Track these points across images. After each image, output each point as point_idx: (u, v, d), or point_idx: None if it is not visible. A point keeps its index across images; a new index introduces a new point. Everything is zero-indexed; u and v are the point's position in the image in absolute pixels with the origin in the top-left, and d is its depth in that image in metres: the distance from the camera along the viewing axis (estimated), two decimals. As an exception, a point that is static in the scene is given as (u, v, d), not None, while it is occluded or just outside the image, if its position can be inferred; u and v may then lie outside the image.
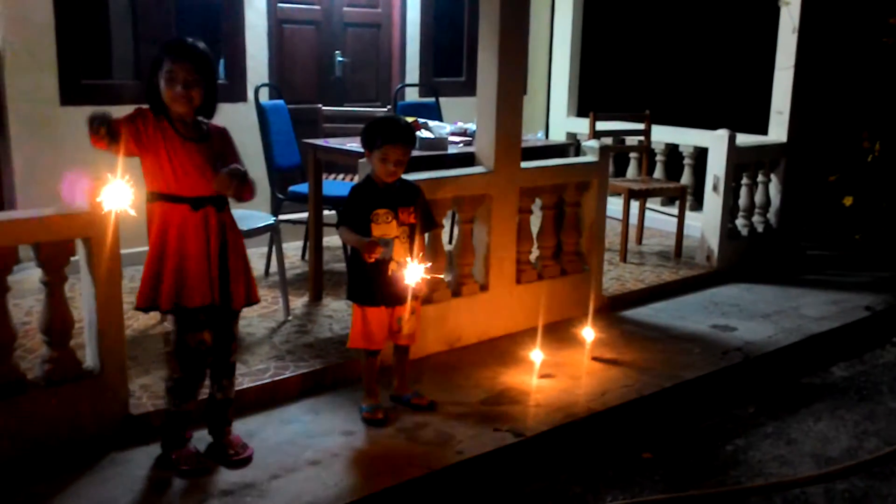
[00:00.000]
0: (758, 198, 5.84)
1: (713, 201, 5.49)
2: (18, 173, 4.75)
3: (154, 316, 4.28)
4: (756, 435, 3.65)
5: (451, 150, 4.58)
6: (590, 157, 4.67)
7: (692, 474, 3.30)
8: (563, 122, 7.35)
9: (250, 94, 5.38)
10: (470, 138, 4.74)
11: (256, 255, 5.17)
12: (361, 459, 3.10)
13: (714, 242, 5.50)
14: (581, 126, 6.93)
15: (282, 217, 4.98)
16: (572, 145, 5.62)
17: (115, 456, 3.02)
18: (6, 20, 4.60)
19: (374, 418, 3.33)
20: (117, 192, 2.66)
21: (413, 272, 3.19)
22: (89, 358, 3.13)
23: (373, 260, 3.15)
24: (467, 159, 4.34)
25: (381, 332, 3.33)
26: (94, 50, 5.16)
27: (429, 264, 3.25)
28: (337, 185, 5.13)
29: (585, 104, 7.19)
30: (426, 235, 3.55)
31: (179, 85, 2.73)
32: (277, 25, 5.93)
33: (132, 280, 4.84)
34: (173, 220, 2.80)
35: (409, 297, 3.29)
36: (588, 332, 4.17)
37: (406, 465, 3.05)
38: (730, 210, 5.56)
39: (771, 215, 5.90)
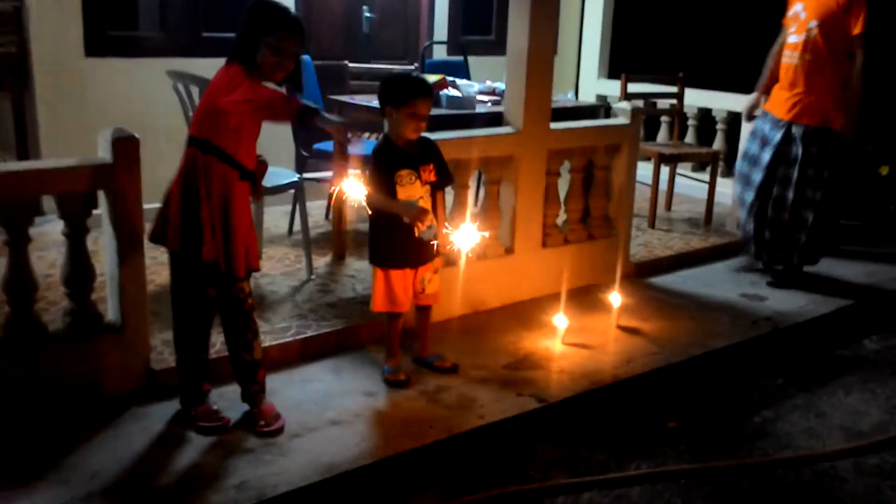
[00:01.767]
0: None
1: (746, 168, 5.34)
2: (43, 124, 4.72)
3: (177, 271, 4.26)
4: (785, 406, 3.58)
5: (479, 109, 4.49)
6: (620, 120, 4.56)
7: (718, 445, 3.24)
8: (594, 84, 7.20)
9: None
10: (498, 98, 4.64)
11: (280, 212, 5.14)
12: (382, 421, 3.07)
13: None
14: (612, 88, 6.77)
15: (306, 175, 4.92)
16: (602, 107, 5.51)
17: (136, 410, 3.01)
18: (32, -31, 4.54)
19: (395, 380, 3.30)
20: (355, 186, 2.90)
21: (466, 235, 3.16)
22: (111, 312, 3.12)
23: (424, 228, 3.08)
24: (495, 119, 4.25)
25: (405, 294, 3.28)
26: (119, 1, 5.09)
27: (477, 228, 3.22)
28: (363, 143, 5.05)
29: (617, 65, 7.03)
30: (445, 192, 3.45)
31: (286, 57, 2.74)
32: (305, -21, 5.83)
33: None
34: (241, 188, 2.78)
35: (434, 257, 3.25)
36: (614, 298, 4.10)
37: (427, 427, 3.01)
38: (762, 177, 5.42)
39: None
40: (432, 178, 3.24)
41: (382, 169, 3.15)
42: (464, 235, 3.19)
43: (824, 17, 4.25)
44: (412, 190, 3.17)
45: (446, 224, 3.31)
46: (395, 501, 2.78)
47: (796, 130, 4.42)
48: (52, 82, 4.70)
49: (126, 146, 2.93)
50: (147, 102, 4.83)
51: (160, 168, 4.81)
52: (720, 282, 4.75)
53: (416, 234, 3.13)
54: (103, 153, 2.94)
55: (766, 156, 4.52)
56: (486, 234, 3.33)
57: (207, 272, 2.79)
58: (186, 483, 2.61)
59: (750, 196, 4.62)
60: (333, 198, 2.94)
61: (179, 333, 2.92)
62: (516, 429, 3.14)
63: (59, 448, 2.74)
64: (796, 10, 4.41)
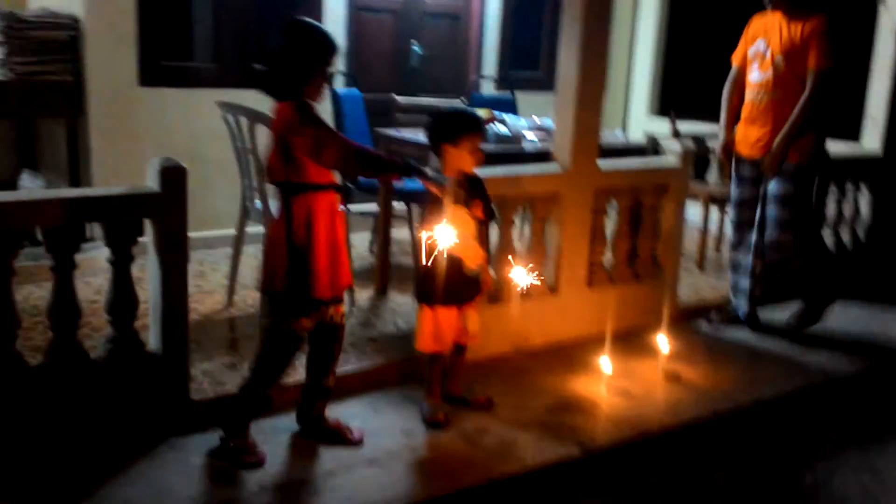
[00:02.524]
0: (847, 210, 5.55)
1: (799, 211, 5.21)
2: (96, 151, 4.79)
3: (220, 301, 4.28)
4: (838, 462, 3.43)
5: (526, 145, 4.45)
6: (670, 160, 4.49)
7: (767, 499, 3.11)
8: (643, 121, 7.13)
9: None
10: (546, 134, 4.59)
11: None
12: (420, 462, 3.01)
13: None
14: (661, 126, 6.69)
15: (351, 207, 4.92)
16: (651, 146, 5.42)
17: (173, 441, 2.99)
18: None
19: (435, 420, 3.23)
20: (445, 233, 2.89)
21: (522, 275, 3.15)
22: (153, 340, 3.10)
23: (478, 265, 3.11)
24: (542, 156, 4.21)
25: (451, 332, 3.22)
26: (174, 32, 5.18)
27: (534, 272, 3.21)
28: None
29: (667, 103, 6.97)
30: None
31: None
32: (356, 13, 5.88)
33: (200, 264, 4.86)
34: (322, 208, 2.76)
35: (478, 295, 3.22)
36: (661, 342, 4.00)
37: (465, 471, 2.94)
38: (817, 221, 5.28)
39: (860, 229, 5.61)
40: (480, 214, 3.19)
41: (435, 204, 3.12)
42: (522, 273, 3.17)
43: (790, 52, 4.09)
44: (464, 226, 3.13)
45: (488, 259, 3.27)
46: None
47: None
48: (106, 110, 4.78)
49: (173, 175, 2.93)
50: (198, 132, 4.89)
51: (209, 197, 4.92)
52: (771, 328, 4.61)
53: (466, 271, 3.11)
54: (151, 182, 2.95)
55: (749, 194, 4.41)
56: (540, 276, 3.31)
57: (311, 306, 2.81)
58: (220, 519, 2.57)
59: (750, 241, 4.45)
60: (424, 244, 2.94)
61: (267, 368, 2.89)
62: (557, 477, 3.05)
63: (94, 476, 2.72)
64: (758, 47, 4.24)
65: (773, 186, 4.24)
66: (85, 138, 4.76)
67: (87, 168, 4.80)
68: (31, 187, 4.51)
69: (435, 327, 3.19)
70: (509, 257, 3.32)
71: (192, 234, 4.47)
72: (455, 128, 3.13)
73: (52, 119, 4.76)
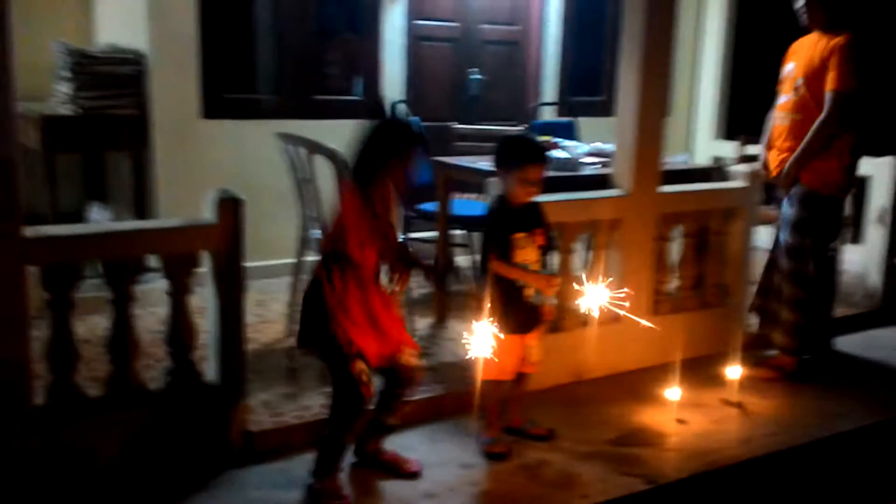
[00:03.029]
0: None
1: (876, 234, 5.02)
2: (161, 183, 4.87)
3: (280, 330, 4.28)
4: (924, 499, 3.24)
5: (587, 171, 4.36)
6: (737, 183, 4.35)
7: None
8: (709, 145, 6.96)
9: (387, 111, 5.34)
10: (607, 159, 4.50)
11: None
12: (479, 496, 2.93)
13: (877, 279, 5.02)
14: (728, 149, 6.53)
15: (410, 235, 4.90)
16: (717, 169, 5.27)
17: (231, 474, 2.97)
18: (154, 33, 4.73)
19: (494, 452, 3.15)
20: (484, 337, 2.89)
21: (596, 295, 3.09)
22: (211, 371, 3.11)
23: (553, 293, 3.09)
24: (603, 181, 4.12)
25: (514, 361, 3.15)
26: (236, 64, 5.26)
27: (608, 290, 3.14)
28: (466, 204, 4.99)
29: (734, 126, 6.79)
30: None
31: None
32: (414, 43, 5.89)
33: (261, 293, 4.87)
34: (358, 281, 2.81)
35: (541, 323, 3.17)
36: (731, 372, 3.84)
37: (527, 507, 2.85)
38: (894, 244, 5.06)
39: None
40: (543, 241, 3.14)
41: (500, 230, 3.07)
42: (595, 294, 3.10)
43: (809, 74, 3.86)
44: (528, 253, 3.08)
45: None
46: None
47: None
48: (169, 143, 4.86)
49: (229, 206, 2.94)
50: (259, 163, 4.93)
51: (271, 226, 4.95)
52: (848, 357, 4.39)
53: (529, 300, 3.05)
54: (208, 213, 2.96)
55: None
56: (626, 289, 3.20)
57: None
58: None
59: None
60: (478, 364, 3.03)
61: (337, 414, 2.84)
62: (622, 512, 2.94)
63: (154, 510, 2.72)
64: (788, 69, 4.04)
65: (784, 209, 4.05)
66: (150, 170, 4.85)
67: (152, 200, 4.88)
68: (99, 220, 4.60)
69: (498, 355, 3.11)
70: (575, 285, 3.22)
71: (253, 264, 4.50)
72: (509, 155, 3.09)
73: (118, 152, 4.86)
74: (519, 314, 3.10)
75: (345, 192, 2.81)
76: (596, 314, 3.15)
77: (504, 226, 3.07)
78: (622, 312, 3.13)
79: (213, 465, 2.98)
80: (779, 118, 4.06)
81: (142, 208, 4.86)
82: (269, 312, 4.57)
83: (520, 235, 3.07)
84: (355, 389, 2.72)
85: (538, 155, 3.10)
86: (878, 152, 5.17)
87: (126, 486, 2.83)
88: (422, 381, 3.08)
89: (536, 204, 3.19)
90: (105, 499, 2.76)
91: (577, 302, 3.14)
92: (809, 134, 3.86)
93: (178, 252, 2.93)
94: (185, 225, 2.94)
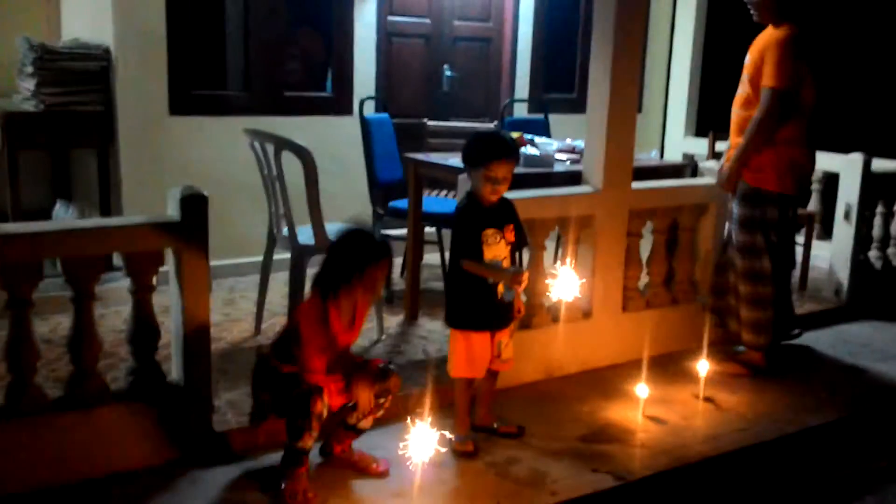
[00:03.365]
0: (894, 228, 5.35)
1: (844, 231, 5.05)
2: (126, 180, 4.79)
3: (247, 329, 4.23)
4: (889, 492, 3.26)
5: (558, 167, 4.36)
6: (708, 179, 4.35)
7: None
8: (680, 142, 6.99)
9: (356, 108, 5.30)
10: (578, 156, 4.50)
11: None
12: (448, 494, 2.90)
13: (844, 275, 5.06)
14: (699, 146, 6.56)
15: (382, 232, 4.86)
16: (688, 166, 5.29)
17: (194, 474, 2.92)
18: (119, 29, 4.66)
19: (464, 450, 3.13)
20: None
21: (566, 286, 3.08)
22: (174, 371, 3.06)
23: (522, 290, 3.04)
24: (574, 178, 4.11)
25: (484, 358, 3.13)
26: (204, 60, 5.19)
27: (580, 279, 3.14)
28: (437, 201, 4.97)
29: (705, 123, 6.82)
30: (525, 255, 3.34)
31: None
32: (386, 39, 5.85)
33: (230, 291, 4.82)
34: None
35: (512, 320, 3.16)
36: (700, 368, 3.85)
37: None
38: (862, 241, 5.10)
39: (908, 248, 5.40)
40: (512, 238, 3.12)
41: (469, 228, 3.04)
42: (564, 284, 3.10)
43: (752, 69, 3.83)
44: (497, 250, 3.06)
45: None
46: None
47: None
48: (136, 139, 4.79)
49: (194, 204, 2.89)
50: (230, 160, 4.87)
51: (241, 224, 4.90)
52: (817, 352, 4.41)
53: (499, 297, 3.03)
54: (172, 211, 2.91)
55: None
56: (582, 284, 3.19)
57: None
58: (238, 556, 2.49)
59: None
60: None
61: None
62: (591, 509, 2.93)
63: (112, 511, 2.67)
64: (745, 62, 3.99)
65: (733, 207, 4.03)
66: (116, 168, 4.78)
67: (118, 197, 4.81)
68: (63, 217, 4.52)
69: (467, 352, 3.10)
70: (547, 281, 3.23)
71: (222, 262, 4.47)
72: (476, 152, 3.06)
73: (83, 149, 4.78)
74: (489, 311, 3.08)
75: (307, 301, 2.86)
76: (568, 300, 3.16)
77: (473, 223, 3.05)
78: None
79: (176, 466, 2.93)
80: (732, 114, 4.05)
81: (107, 206, 4.78)
82: (238, 311, 4.52)
83: (489, 232, 3.04)
84: (304, 397, 2.69)
85: (504, 152, 3.04)
86: (846, 149, 5.22)
87: (89, 488, 2.77)
88: (397, 390, 3.04)
89: (507, 200, 3.17)
90: (65, 499, 2.70)
91: (547, 293, 3.14)
92: (746, 132, 3.84)
93: (140, 250, 2.87)
94: (147, 222, 2.89)
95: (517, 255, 3.22)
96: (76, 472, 2.80)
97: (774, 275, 3.96)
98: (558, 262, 3.14)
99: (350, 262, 2.76)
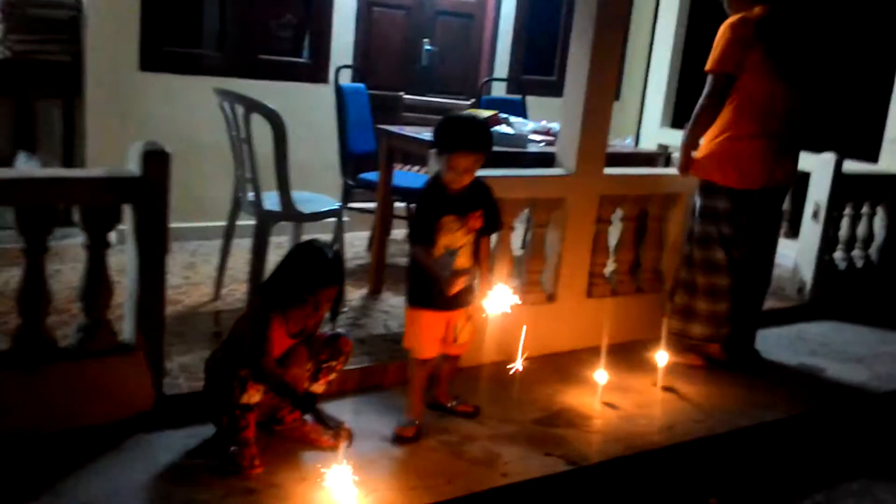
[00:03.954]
0: (860, 230, 5.38)
1: (811, 230, 5.07)
2: (91, 134, 4.68)
3: (207, 293, 4.16)
4: (839, 491, 3.30)
5: (531, 148, 4.32)
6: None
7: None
8: (656, 132, 6.96)
9: (332, 76, 5.22)
10: (553, 138, 4.46)
11: (321, 238, 5.00)
12: (399, 470, 2.87)
13: (808, 274, 5.08)
14: (674, 137, 6.52)
15: (351, 205, 4.80)
16: (662, 156, 5.28)
17: (142, 437, 2.87)
18: (91, -19, 4.54)
19: (402, 435, 3.06)
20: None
21: (498, 299, 2.97)
22: (127, 331, 2.99)
23: (453, 293, 2.95)
24: (547, 160, 4.07)
25: (435, 338, 3.07)
26: (179, 17, 5.06)
27: (513, 294, 3.02)
28: (408, 175, 4.91)
29: (681, 115, 6.81)
30: (492, 238, 3.26)
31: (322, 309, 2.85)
32: (367, 8, 5.75)
33: (192, 254, 4.75)
34: None
35: (468, 304, 3.08)
36: (660, 357, 3.85)
37: (445, 482, 2.80)
38: (829, 241, 5.13)
39: (873, 250, 5.43)
40: (479, 224, 3.02)
41: (426, 213, 2.97)
42: (496, 299, 2.99)
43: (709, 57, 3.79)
44: (454, 238, 2.98)
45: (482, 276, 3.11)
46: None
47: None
48: (103, 93, 4.68)
49: (156, 160, 2.81)
50: (199, 120, 4.78)
51: (207, 186, 4.81)
52: (776, 348, 4.42)
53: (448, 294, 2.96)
54: (133, 166, 2.83)
55: None
56: (518, 300, 3.07)
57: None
58: (180, 521, 2.45)
59: None
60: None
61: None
62: (541, 491, 2.91)
63: (55, 471, 2.60)
64: None
65: (694, 198, 4.05)
66: (81, 120, 4.66)
67: (82, 150, 4.70)
68: (26, 168, 4.40)
69: (419, 331, 3.05)
70: (468, 265, 3.06)
71: (186, 224, 4.39)
72: (442, 137, 2.95)
73: (48, 99, 4.66)
74: (440, 292, 2.97)
75: (250, 307, 2.90)
76: (497, 312, 3.02)
77: (431, 208, 2.96)
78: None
79: (123, 428, 2.88)
80: None
81: (70, 158, 4.67)
82: (198, 275, 4.45)
83: (448, 219, 2.95)
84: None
85: (470, 144, 2.91)
86: (818, 148, 5.23)
87: (32, 446, 2.70)
88: (350, 355, 3.00)
89: (480, 184, 3.06)
90: (10, 458, 2.63)
91: (481, 302, 3.02)
92: (691, 121, 3.84)
93: (97, 204, 2.79)
94: (106, 176, 2.81)
95: (484, 239, 3.11)
96: (16, 428, 2.73)
97: (731, 266, 3.93)
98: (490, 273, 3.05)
99: (301, 281, 2.71)
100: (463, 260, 3.02)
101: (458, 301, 3.05)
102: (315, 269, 2.72)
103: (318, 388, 2.95)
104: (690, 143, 3.87)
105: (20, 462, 2.64)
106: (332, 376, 2.97)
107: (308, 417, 2.92)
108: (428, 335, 3.04)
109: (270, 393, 2.75)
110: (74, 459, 2.67)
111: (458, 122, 3.04)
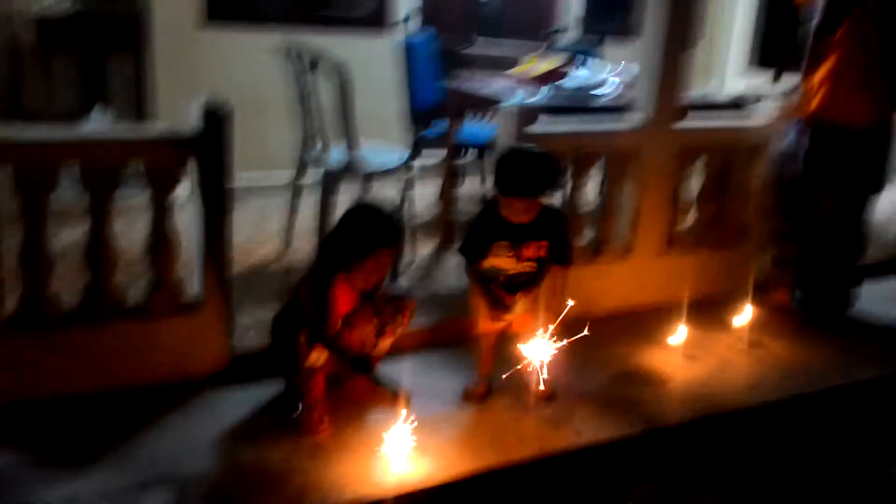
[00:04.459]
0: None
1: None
2: (161, 87, 4.67)
3: (275, 249, 4.13)
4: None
5: (606, 96, 4.12)
6: (761, 118, 4.07)
7: (850, 493, 2.79)
8: (742, 76, 6.62)
9: (398, 25, 5.08)
10: (629, 86, 4.24)
11: (389, 192, 4.91)
12: (467, 430, 2.79)
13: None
14: (761, 83, 6.21)
15: (420, 158, 4.69)
16: (748, 102, 4.97)
17: (211, 395, 2.86)
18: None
19: (472, 393, 2.96)
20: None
21: (538, 349, 2.76)
22: (194, 288, 2.97)
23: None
24: (622, 109, 3.87)
25: (490, 318, 2.93)
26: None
27: (555, 344, 2.78)
28: (476, 128, 4.76)
29: (770, 57, 6.44)
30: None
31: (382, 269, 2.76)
32: (435, -49, 5.58)
33: (261, 209, 4.71)
34: None
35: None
36: (745, 313, 3.66)
37: (517, 442, 2.72)
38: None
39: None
40: (538, 254, 2.84)
41: (475, 235, 2.84)
42: (536, 347, 2.78)
43: None
44: (502, 262, 2.83)
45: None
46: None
47: None
48: (170, 46, 4.64)
49: (217, 116, 2.76)
50: (264, 74, 4.67)
51: (277, 141, 4.74)
52: (874, 303, 4.14)
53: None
54: (194, 123, 2.78)
55: None
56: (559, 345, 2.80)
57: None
58: (246, 480, 2.42)
59: None
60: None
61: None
62: (617, 453, 2.80)
63: (123, 430, 2.61)
64: None
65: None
66: (150, 74, 4.66)
67: (153, 104, 4.70)
68: (98, 122, 4.43)
69: (477, 307, 2.93)
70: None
71: (253, 180, 4.37)
72: (498, 175, 2.76)
73: (117, 54, 4.66)
74: (488, 305, 2.88)
75: (310, 273, 2.75)
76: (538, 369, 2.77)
77: (483, 232, 2.82)
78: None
79: (191, 385, 2.87)
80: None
81: (142, 112, 4.68)
82: (267, 231, 4.42)
83: (501, 244, 2.80)
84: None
85: (524, 189, 2.73)
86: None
87: (100, 405, 2.72)
88: (413, 314, 2.91)
89: (550, 213, 2.85)
90: (77, 417, 2.66)
91: (521, 349, 2.80)
92: None
93: (160, 161, 2.75)
94: (168, 134, 2.77)
95: (556, 268, 2.90)
96: (85, 384, 2.76)
97: (802, 211, 3.79)
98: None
99: (358, 242, 2.62)
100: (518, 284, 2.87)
101: (511, 309, 2.91)
102: (372, 230, 2.64)
103: (382, 347, 2.88)
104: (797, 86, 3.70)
105: (87, 420, 2.65)
106: (397, 335, 2.89)
107: (367, 380, 2.86)
108: (483, 313, 2.92)
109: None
110: (141, 418, 2.68)
111: (514, 165, 2.79)
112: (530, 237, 2.80)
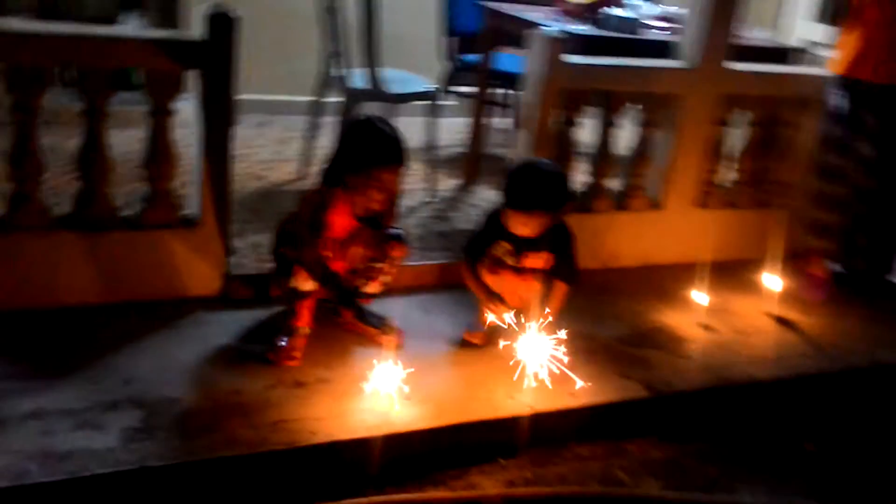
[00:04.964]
0: None
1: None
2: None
3: (293, 171, 4.00)
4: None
5: (648, 35, 3.86)
6: (818, 70, 3.78)
7: (858, 482, 2.63)
8: (800, 25, 6.21)
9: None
10: (677, 26, 3.97)
11: (415, 122, 4.71)
12: (459, 377, 2.66)
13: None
14: (820, 33, 5.81)
15: (451, 88, 4.49)
16: (803, 52, 4.65)
17: (201, 316, 2.77)
18: None
19: (470, 341, 2.83)
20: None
21: (535, 348, 2.62)
22: (192, 205, 2.85)
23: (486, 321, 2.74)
24: (666, 50, 3.62)
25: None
26: None
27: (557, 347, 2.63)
28: (513, 59, 4.51)
29: (834, 7, 6.03)
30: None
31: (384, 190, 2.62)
32: None
33: (284, 128, 4.56)
34: None
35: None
36: (773, 281, 3.45)
37: (506, 398, 2.58)
38: None
39: None
40: (535, 265, 2.73)
41: (485, 235, 2.76)
42: (532, 348, 2.63)
43: None
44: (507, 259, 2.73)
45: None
46: (454, 474, 2.42)
47: None
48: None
49: (223, 25, 2.60)
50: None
51: (302, 60, 4.55)
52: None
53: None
54: (199, 29, 2.62)
55: None
56: (563, 349, 2.64)
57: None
58: (219, 408, 2.33)
59: None
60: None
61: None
62: (612, 417, 2.66)
63: (102, 346, 2.53)
64: None
65: None
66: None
67: (187, 11, 4.54)
68: (131, 27, 4.29)
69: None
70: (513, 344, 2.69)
71: (279, 97, 4.22)
72: (512, 196, 2.66)
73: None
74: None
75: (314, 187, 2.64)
76: (534, 370, 2.62)
77: (491, 231, 2.74)
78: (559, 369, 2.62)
79: (183, 304, 2.78)
80: None
81: (174, 20, 4.52)
82: (288, 151, 4.28)
83: (502, 244, 2.71)
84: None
85: (528, 204, 2.63)
86: None
87: (82, 318, 2.64)
88: (399, 260, 2.78)
89: (559, 229, 2.75)
90: (57, 329, 2.58)
91: (513, 345, 2.66)
92: None
93: (160, 68, 2.61)
94: (169, 38, 2.62)
95: (555, 282, 2.79)
96: (71, 296, 2.68)
97: (846, 174, 3.56)
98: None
99: (358, 157, 2.51)
100: (518, 289, 2.76)
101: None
102: (373, 145, 2.52)
103: (373, 288, 2.75)
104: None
105: (67, 334, 2.57)
106: (385, 278, 2.76)
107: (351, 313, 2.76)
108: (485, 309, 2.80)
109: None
110: (124, 335, 2.59)
111: (521, 179, 2.69)
112: (535, 248, 2.71)
